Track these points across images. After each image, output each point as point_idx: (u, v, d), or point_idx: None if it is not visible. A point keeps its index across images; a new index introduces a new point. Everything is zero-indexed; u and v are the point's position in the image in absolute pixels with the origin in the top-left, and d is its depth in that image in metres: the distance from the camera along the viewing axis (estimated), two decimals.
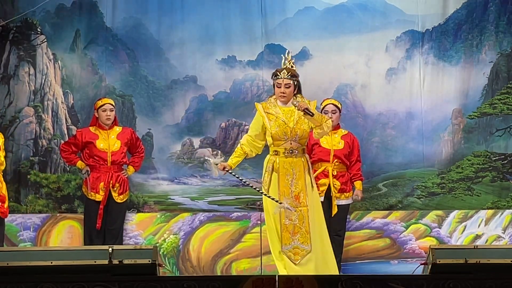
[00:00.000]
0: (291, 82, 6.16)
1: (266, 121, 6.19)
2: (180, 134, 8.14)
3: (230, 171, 6.17)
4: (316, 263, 6.22)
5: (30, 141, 8.08)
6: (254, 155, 6.29)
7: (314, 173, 6.96)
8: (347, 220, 7.74)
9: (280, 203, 6.10)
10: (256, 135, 6.27)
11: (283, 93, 6.15)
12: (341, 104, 7.28)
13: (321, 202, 6.86)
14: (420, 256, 7.54)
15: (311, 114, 6.03)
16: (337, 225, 7.12)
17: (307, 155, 6.38)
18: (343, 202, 7.15)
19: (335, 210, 7.05)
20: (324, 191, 7.05)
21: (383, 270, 7.62)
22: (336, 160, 7.12)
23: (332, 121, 7.06)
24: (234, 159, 6.24)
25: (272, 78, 6.25)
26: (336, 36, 8.12)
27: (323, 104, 7.24)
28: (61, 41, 8.19)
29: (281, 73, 6.17)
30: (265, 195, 6.16)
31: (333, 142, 7.15)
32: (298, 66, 7.96)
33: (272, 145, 6.24)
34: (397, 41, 8.12)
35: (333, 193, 7.08)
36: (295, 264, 6.17)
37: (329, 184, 7.07)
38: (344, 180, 7.15)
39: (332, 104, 7.20)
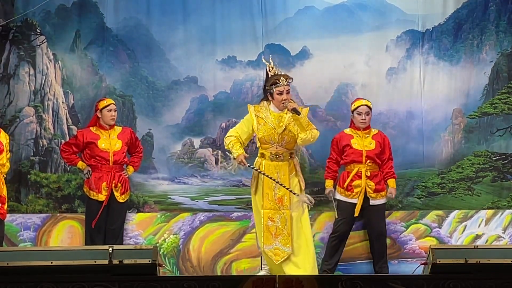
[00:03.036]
0: (289, 87, 6.34)
1: (255, 124, 6.34)
2: (180, 134, 8.14)
3: (250, 166, 6.39)
4: (300, 264, 6.30)
5: (31, 141, 8.09)
6: None
7: (348, 175, 7.04)
8: None
9: (298, 195, 6.22)
10: (243, 133, 6.40)
11: (285, 99, 6.27)
12: (371, 104, 7.27)
13: (354, 203, 6.98)
14: (420, 256, 7.54)
15: (298, 113, 6.13)
16: (378, 225, 7.16)
17: (296, 159, 6.50)
18: (378, 201, 7.16)
19: (357, 212, 7.07)
20: (359, 193, 7.08)
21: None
22: (368, 160, 7.13)
23: (365, 122, 7.11)
24: (241, 148, 6.36)
25: (268, 86, 6.38)
26: (336, 35, 8.12)
27: (356, 104, 7.25)
28: (62, 42, 8.19)
29: (281, 81, 6.32)
30: (283, 186, 6.25)
31: (364, 143, 7.17)
32: (298, 66, 8.05)
33: (260, 148, 6.39)
34: (397, 41, 8.12)
35: (368, 194, 7.09)
36: (275, 263, 6.31)
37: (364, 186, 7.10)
38: (377, 180, 7.16)
39: (366, 105, 7.21)
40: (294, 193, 6.28)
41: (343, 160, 7.19)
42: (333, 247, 7.21)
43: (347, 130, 7.30)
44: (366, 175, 7.10)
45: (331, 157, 7.28)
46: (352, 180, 7.07)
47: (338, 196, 7.16)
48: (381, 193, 7.16)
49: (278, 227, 6.34)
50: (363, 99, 7.31)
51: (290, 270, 6.32)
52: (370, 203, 7.11)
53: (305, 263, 6.33)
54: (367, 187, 7.10)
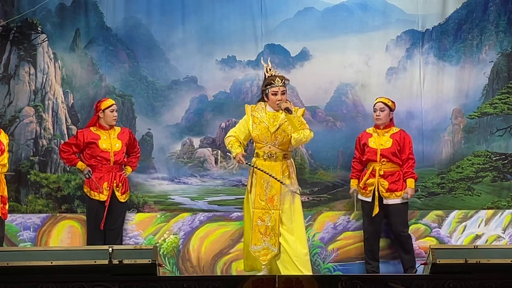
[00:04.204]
0: (285, 88, 6.44)
1: (250, 123, 6.43)
2: (180, 134, 8.14)
3: (248, 163, 6.48)
4: (289, 265, 6.34)
5: (30, 141, 8.08)
6: None
7: (365, 173, 7.12)
8: (348, 220, 7.76)
9: (286, 185, 6.30)
10: (241, 133, 6.57)
11: (280, 100, 6.38)
12: (392, 102, 7.28)
13: (369, 202, 7.01)
14: (420, 256, 7.53)
15: (290, 112, 6.19)
16: (395, 225, 7.16)
17: (290, 161, 6.56)
18: (392, 201, 7.13)
19: (376, 210, 7.08)
20: (372, 191, 7.09)
21: (383, 270, 7.61)
22: (383, 159, 7.13)
23: (379, 119, 7.14)
24: (240, 147, 6.44)
25: (264, 86, 6.47)
26: (336, 35, 8.12)
27: (374, 102, 7.32)
28: (62, 41, 8.18)
29: (276, 81, 6.44)
30: (275, 178, 6.39)
31: (380, 141, 7.20)
32: (298, 67, 8.05)
33: (255, 147, 6.48)
34: (397, 41, 8.12)
35: (381, 193, 7.10)
36: (263, 264, 6.38)
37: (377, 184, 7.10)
38: (394, 179, 7.14)
39: (381, 102, 7.25)
40: (283, 183, 6.34)
41: (363, 158, 7.23)
42: (367, 249, 7.29)
43: (369, 129, 7.34)
44: (379, 174, 7.10)
45: (355, 156, 7.36)
46: (367, 179, 7.10)
47: (359, 196, 7.21)
48: (395, 192, 7.14)
49: (268, 226, 6.41)
50: (382, 97, 7.33)
51: (278, 271, 6.39)
52: (384, 202, 7.11)
53: (298, 266, 6.37)
54: (380, 186, 7.09)
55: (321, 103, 8.09)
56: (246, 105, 6.75)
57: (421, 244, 7.70)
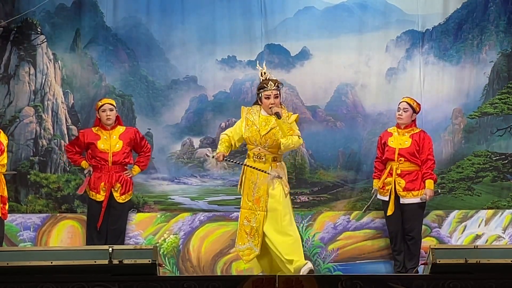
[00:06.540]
0: (278, 92, 6.47)
1: (243, 126, 6.47)
2: (180, 134, 8.14)
3: (227, 159, 6.61)
4: (276, 265, 6.39)
5: (30, 141, 8.08)
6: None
7: (384, 172, 7.13)
8: (348, 220, 7.76)
9: (268, 173, 6.41)
10: (235, 134, 6.63)
11: (273, 104, 6.41)
12: (418, 104, 7.29)
13: (387, 201, 7.08)
14: (420, 256, 7.53)
15: (279, 117, 6.32)
16: (407, 225, 7.17)
17: (281, 163, 6.60)
18: (409, 200, 7.13)
19: (390, 211, 7.09)
20: (389, 190, 7.10)
21: (383, 270, 7.62)
22: (401, 158, 7.13)
23: (401, 118, 7.15)
24: (226, 148, 6.63)
25: (258, 90, 6.51)
26: (336, 35, 8.12)
27: (400, 100, 7.33)
28: (61, 41, 8.19)
29: (269, 85, 6.49)
30: (261, 170, 6.43)
31: (399, 141, 7.21)
32: (298, 66, 8.05)
33: (248, 148, 6.63)
34: (397, 41, 8.12)
35: (398, 192, 7.11)
36: (244, 263, 6.48)
37: (394, 183, 7.12)
38: (411, 178, 7.13)
39: (406, 101, 7.26)
40: (263, 171, 6.42)
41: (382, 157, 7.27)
42: (391, 247, 7.32)
43: (390, 128, 7.37)
44: (396, 173, 7.10)
45: (376, 156, 7.38)
46: (385, 178, 7.14)
47: (378, 196, 7.25)
48: (412, 192, 7.13)
49: (253, 227, 6.45)
50: (408, 97, 7.34)
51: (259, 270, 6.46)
52: (400, 202, 7.12)
53: (283, 267, 6.40)
54: (397, 185, 7.10)
55: (321, 103, 8.09)
56: (242, 107, 6.76)
57: (421, 244, 7.69)
